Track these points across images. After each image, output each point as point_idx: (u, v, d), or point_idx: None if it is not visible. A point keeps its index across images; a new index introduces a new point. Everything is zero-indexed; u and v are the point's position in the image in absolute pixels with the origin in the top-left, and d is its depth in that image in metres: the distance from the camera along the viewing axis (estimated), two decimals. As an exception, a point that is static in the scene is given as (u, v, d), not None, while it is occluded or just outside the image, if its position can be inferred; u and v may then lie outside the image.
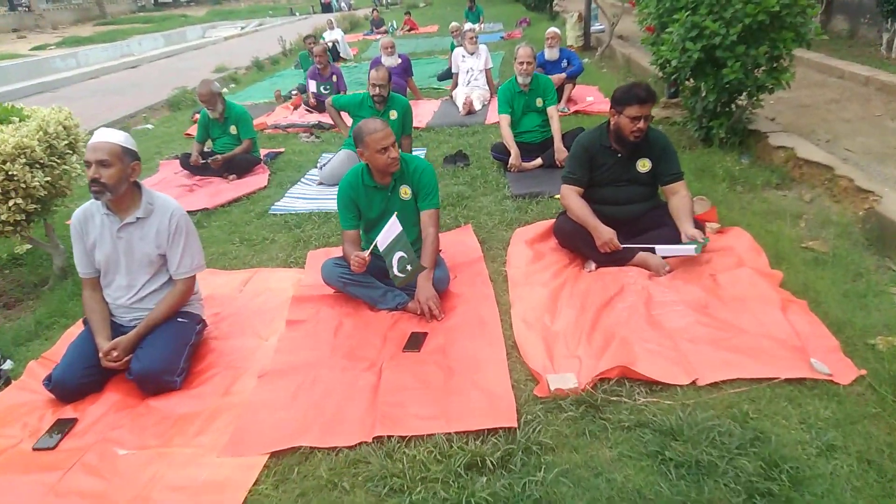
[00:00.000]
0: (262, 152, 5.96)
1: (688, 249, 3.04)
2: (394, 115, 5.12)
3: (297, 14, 30.63)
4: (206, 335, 2.89)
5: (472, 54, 7.76)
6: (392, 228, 2.79)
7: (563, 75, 6.97)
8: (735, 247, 3.25)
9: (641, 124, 3.15)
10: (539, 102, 5.11)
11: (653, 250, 3.17)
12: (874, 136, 4.82)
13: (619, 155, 3.31)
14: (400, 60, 7.89)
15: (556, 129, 4.98)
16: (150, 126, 7.90)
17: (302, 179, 5.24)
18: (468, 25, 16.29)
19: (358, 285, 3.07)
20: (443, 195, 4.48)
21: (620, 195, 3.34)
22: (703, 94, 4.72)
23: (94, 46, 21.33)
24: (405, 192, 3.14)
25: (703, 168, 4.52)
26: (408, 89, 8.05)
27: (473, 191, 4.60)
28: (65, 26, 36.27)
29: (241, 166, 5.38)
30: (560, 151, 4.86)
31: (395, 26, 17.41)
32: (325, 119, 7.38)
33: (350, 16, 21.05)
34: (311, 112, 7.82)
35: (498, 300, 3.04)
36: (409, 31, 17.15)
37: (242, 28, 27.92)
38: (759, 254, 3.16)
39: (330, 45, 12.51)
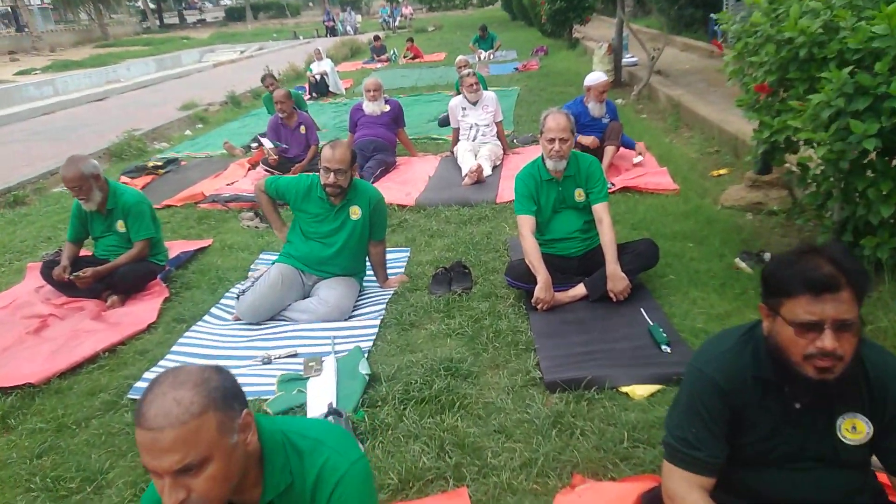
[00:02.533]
0: (180, 248, 4.18)
1: None
2: (356, 213, 3.33)
3: (301, 38, 29.22)
4: None
5: (475, 104, 5.96)
6: None
7: (593, 138, 5.18)
8: None
9: (827, 343, 1.32)
10: (580, 196, 3.29)
11: None
12: None
13: (797, 405, 1.47)
14: (388, 108, 6.11)
15: (608, 242, 3.14)
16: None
17: (214, 308, 3.42)
18: (481, 54, 14.65)
19: None
20: (424, 369, 2.65)
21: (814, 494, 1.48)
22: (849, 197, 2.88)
23: (77, 72, 19.89)
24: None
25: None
26: (398, 142, 6.27)
27: (476, 356, 2.75)
28: (64, 48, 35.21)
29: (127, 283, 3.58)
30: (616, 279, 3.04)
31: (398, 54, 15.75)
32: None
33: (351, 41, 19.46)
34: (272, 172, 6.04)
35: None
36: (412, 59, 15.50)
37: (242, 52, 26.53)
38: None
39: (318, 77, 10.84)
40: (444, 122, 7.72)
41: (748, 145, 5.18)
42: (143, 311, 3.39)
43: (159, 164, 6.54)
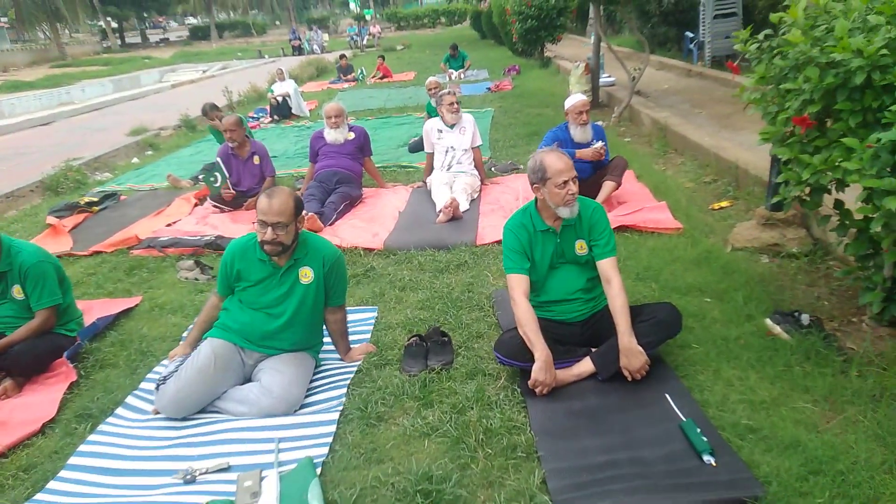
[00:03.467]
0: (100, 310, 3.47)
1: None
2: (307, 275, 2.70)
3: (267, 57, 28.49)
4: None
5: (452, 127, 5.41)
6: None
7: (601, 145, 4.65)
8: None
9: None
10: (581, 249, 2.71)
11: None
12: None
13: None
14: (352, 135, 5.50)
15: (619, 308, 2.54)
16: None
17: (131, 397, 2.73)
18: (452, 73, 14.16)
19: None
20: (395, 493, 2.02)
21: None
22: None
23: (27, 94, 18.85)
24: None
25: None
26: (364, 172, 5.66)
27: (462, 469, 2.13)
28: (18, 68, 33.89)
29: (24, 363, 2.87)
30: (632, 353, 2.45)
31: (365, 74, 15.18)
32: (239, 224, 4.94)
33: (318, 60, 18.82)
34: (222, 210, 5.37)
35: None
36: (381, 78, 14.93)
37: (204, 72, 25.69)
38: None
39: (279, 99, 10.19)
40: (416, 148, 7.16)
41: (751, 175, 4.71)
42: (39, 403, 2.68)
43: (95, 199, 5.80)
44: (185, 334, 3.16)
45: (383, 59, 15.69)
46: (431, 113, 7.27)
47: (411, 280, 3.73)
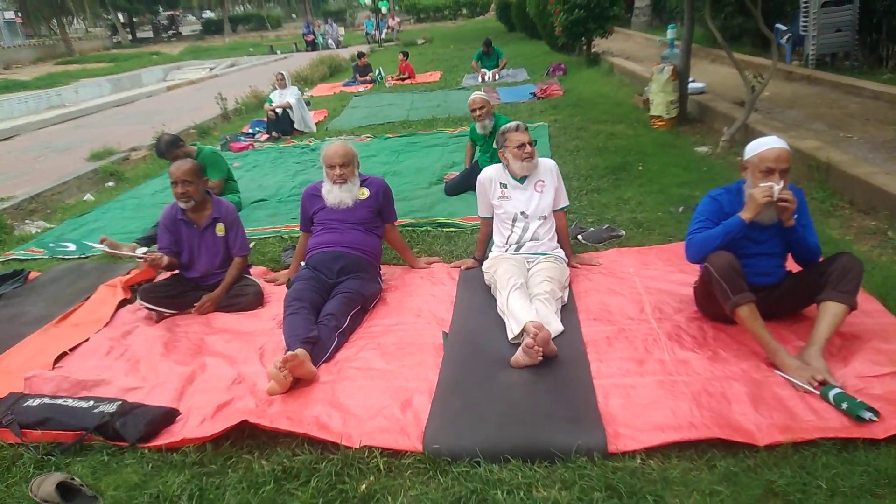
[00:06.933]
0: None
1: None
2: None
3: (279, 52, 26.59)
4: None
5: (522, 181, 3.41)
6: None
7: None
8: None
9: None
10: None
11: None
12: None
13: None
14: (367, 194, 3.51)
15: None
16: None
17: None
18: (486, 74, 12.06)
19: None
20: None
21: None
22: None
23: (12, 97, 17.13)
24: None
25: None
26: (383, 245, 3.69)
27: None
28: (22, 65, 32.40)
29: None
30: None
31: (383, 75, 13.15)
32: (179, 360, 2.98)
33: (331, 58, 16.78)
34: (160, 315, 3.41)
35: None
36: (403, 79, 12.91)
37: (211, 69, 23.87)
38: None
39: (279, 112, 8.22)
40: (457, 189, 5.17)
41: None
42: None
43: (-14, 282, 3.90)
44: None
45: (406, 55, 13.65)
46: (477, 141, 5.25)
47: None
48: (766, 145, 2.58)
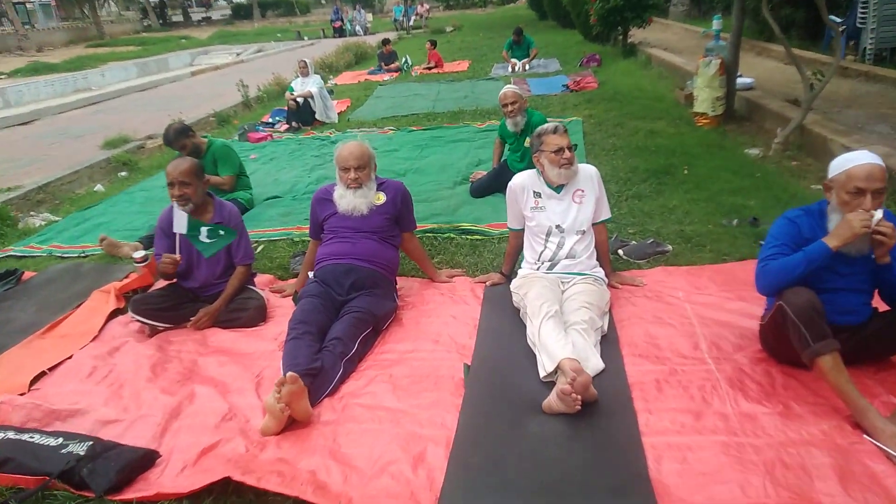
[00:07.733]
0: None
1: None
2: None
3: (306, 38, 26.31)
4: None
5: (558, 190, 3.02)
6: None
7: None
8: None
9: None
10: None
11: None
12: None
13: None
14: (383, 199, 3.15)
15: None
16: None
17: None
18: (515, 64, 11.58)
19: None
20: None
21: None
22: None
23: (39, 79, 17.12)
24: None
25: None
26: (401, 254, 3.33)
27: None
28: (54, 47, 32.65)
29: None
30: None
31: (410, 63, 12.75)
32: (165, 389, 2.65)
33: (357, 45, 16.41)
34: (154, 329, 3.10)
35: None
36: (431, 68, 12.49)
37: (238, 55, 23.68)
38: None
39: (300, 101, 7.89)
40: (483, 190, 4.79)
41: None
42: None
43: (-23, 282, 3.64)
44: None
45: (434, 44, 13.21)
46: (507, 138, 4.85)
47: None
48: (854, 161, 2.15)
